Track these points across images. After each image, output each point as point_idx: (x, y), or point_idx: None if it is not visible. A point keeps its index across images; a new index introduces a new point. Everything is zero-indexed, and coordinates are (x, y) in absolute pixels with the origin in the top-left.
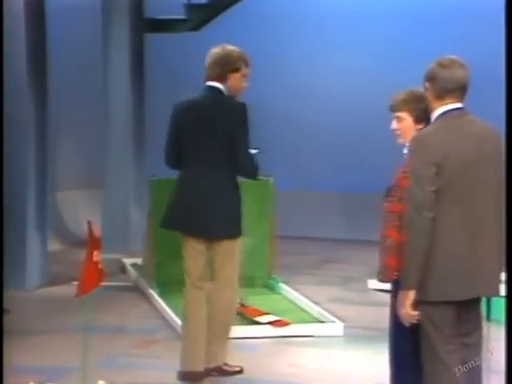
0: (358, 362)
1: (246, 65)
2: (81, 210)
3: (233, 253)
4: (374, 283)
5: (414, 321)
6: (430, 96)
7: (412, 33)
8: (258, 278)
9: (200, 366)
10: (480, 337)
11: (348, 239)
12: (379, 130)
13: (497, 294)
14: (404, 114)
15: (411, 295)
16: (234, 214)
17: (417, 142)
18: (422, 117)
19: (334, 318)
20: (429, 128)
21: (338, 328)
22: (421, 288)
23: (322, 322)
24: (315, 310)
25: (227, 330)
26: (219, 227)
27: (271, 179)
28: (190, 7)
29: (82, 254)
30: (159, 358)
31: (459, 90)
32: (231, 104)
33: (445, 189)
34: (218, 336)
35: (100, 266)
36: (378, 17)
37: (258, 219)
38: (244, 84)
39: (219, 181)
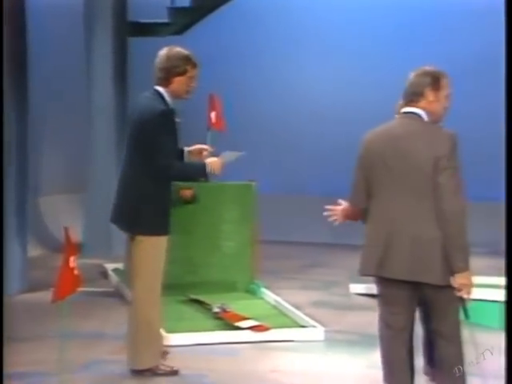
0: (338, 367)
1: (193, 66)
2: (63, 215)
3: (142, 249)
4: (355, 287)
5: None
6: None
7: (398, 35)
8: (239, 283)
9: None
10: (450, 327)
11: (331, 243)
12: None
13: (405, 278)
14: None
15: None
16: (134, 210)
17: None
18: None
19: (314, 323)
20: (375, 128)
21: (318, 333)
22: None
23: (303, 326)
24: (296, 314)
25: (141, 329)
26: (122, 219)
27: (253, 183)
28: (173, 11)
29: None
30: None
31: (413, 97)
32: (150, 109)
33: (369, 179)
34: (135, 337)
35: (76, 272)
36: (365, 19)
37: (239, 223)
38: (192, 85)
39: (131, 178)
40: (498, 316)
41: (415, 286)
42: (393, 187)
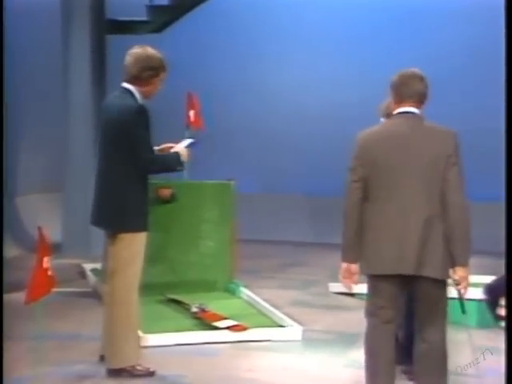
0: (316, 366)
1: (164, 69)
2: (41, 215)
3: (122, 247)
4: (335, 286)
5: (350, 290)
6: (393, 101)
7: (383, 34)
8: (218, 282)
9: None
10: (439, 322)
11: (311, 242)
12: (345, 135)
13: (417, 273)
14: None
15: (347, 267)
16: (114, 208)
17: (356, 140)
18: None
19: (292, 322)
20: (370, 128)
21: (296, 332)
22: (360, 263)
23: (281, 326)
24: (275, 314)
25: (120, 328)
26: (101, 218)
27: (232, 182)
28: (152, 9)
29: None
30: None
31: (415, 98)
32: (127, 107)
33: (371, 178)
34: (114, 335)
35: (50, 273)
36: (349, 18)
37: (218, 223)
38: (160, 87)
39: (109, 177)
40: (476, 314)
41: (408, 279)
42: (403, 186)
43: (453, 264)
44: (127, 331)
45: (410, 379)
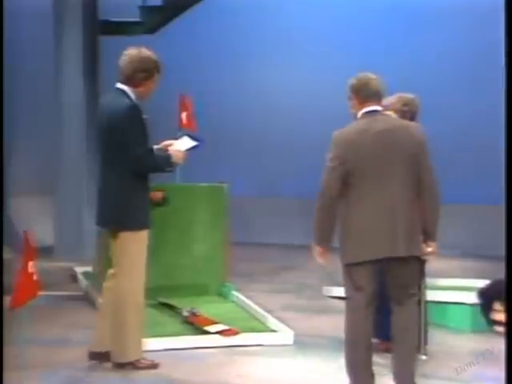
0: (307, 371)
1: (159, 71)
2: (33, 217)
3: (126, 245)
4: (329, 290)
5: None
6: (355, 102)
7: (372, 37)
8: (211, 286)
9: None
10: (414, 295)
11: (305, 245)
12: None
13: (407, 254)
14: (389, 113)
15: (323, 250)
16: (116, 206)
17: (332, 138)
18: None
19: (284, 327)
20: (345, 127)
21: (287, 337)
22: (341, 253)
23: (273, 330)
24: (266, 318)
25: (124, 322)
26: (105, 218)
27: (225, 185)
28: (145, 10)
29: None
30: (107, 370)
31: (377, 97)
32: (118, 106)
33: (352, 174)
34: (116, 328)
35: (36, 278)
36: (341, 18)
37: (210, 226)
38: (154, 88)
39: (110, 177)
40: (470, 319)
41: (386, 261)
42: (387, 177)
43: (425, 240)
44: (132, 330)
45: (385, 350)
